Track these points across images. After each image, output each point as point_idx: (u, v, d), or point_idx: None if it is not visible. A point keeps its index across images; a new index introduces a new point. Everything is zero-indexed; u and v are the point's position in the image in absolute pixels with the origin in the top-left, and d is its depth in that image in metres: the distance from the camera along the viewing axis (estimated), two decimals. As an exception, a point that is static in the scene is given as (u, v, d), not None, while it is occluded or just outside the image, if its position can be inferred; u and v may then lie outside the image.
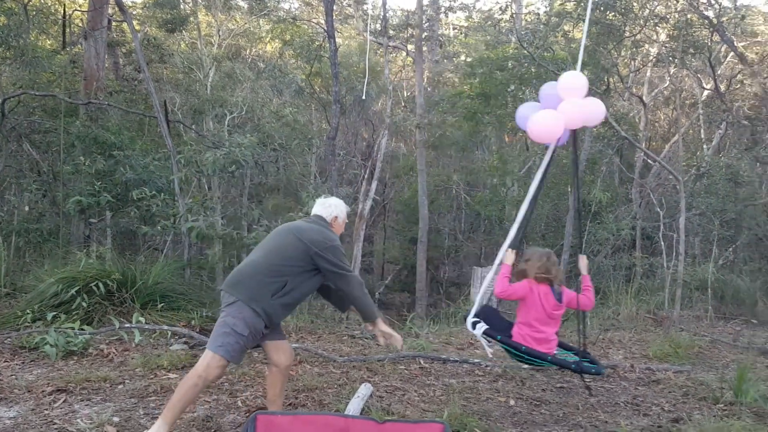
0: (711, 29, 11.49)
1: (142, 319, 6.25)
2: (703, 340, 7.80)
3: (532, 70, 12.95)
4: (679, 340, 7.33)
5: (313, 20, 17.15)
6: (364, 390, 4.68)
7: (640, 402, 5.23)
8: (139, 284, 6.74)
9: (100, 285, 6.42)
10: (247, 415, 4.22)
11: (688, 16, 11.51)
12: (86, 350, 5.54)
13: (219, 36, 17.48)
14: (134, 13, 15.87)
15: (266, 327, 3.59)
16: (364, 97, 9.16)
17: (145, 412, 4.20)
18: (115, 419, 4.04)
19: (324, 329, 7.33)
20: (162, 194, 8.18)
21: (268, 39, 18.37)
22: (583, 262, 4.72)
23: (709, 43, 12.16)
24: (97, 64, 11.24)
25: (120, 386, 4.74)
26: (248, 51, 19.50)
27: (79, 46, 12.91)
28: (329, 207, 4.00)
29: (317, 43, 14.94)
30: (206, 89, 14.53)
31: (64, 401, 4.35)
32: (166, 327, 6.20)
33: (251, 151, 8.60)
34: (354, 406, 4.30)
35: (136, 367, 5.18)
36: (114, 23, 13.82)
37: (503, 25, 15.47)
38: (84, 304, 6.24)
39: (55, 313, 6.09)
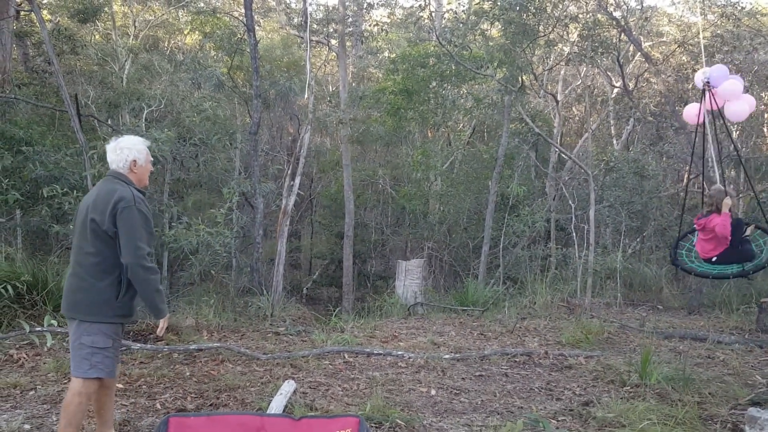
0: (619, 29, 12.08)
1: (54, 322, 5.99)
2: (612, 326, 8.22)
3: (452, 67, 13.23)
4: (590, 327, 7.70)
5: (234, 12, 16.82)
6: (287, 387, 4.70)
7: (554, 387, 5.47)
8: (51, 286, 6.48)
9: (9, 287, 6.12)
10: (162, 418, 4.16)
11: (598, 16, 12.06)
12: (-6, 357, 5.29)
13: (135, 27, 16.88)
14: (44, 2, 15.08)
15: (126, 324, 3.32)
16: (306, 95, 9.09)
17: (59, 418, 4.06)
18: (26, 427, 3.90)
19: (248, 327, 7.28)
20: (75, 191, 7.86)
21: (187, 31, 17.88)
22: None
23: (618, 43, 12.79)
24: (3, 56, 10.64)
25: (31, 392, 4.56)
26: (167, 43, 18.94)
27: (-18, 35, 12.15)
28: (121, 152, 3.34)
29: (238, 36, 14.67)
30: (122, 82, 14.02)
31: (-31, 411, 4.15)
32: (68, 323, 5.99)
33: (169, 146, 8.40)
34: (277, 404, 4.32)
35: (49, 372, 5.00)
36: (22, 12, 13.08)
37: (424, 22, 15.70)
38: (-9, 307, 5.95)
39: (-42, 318, 5.78)
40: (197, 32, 16.55)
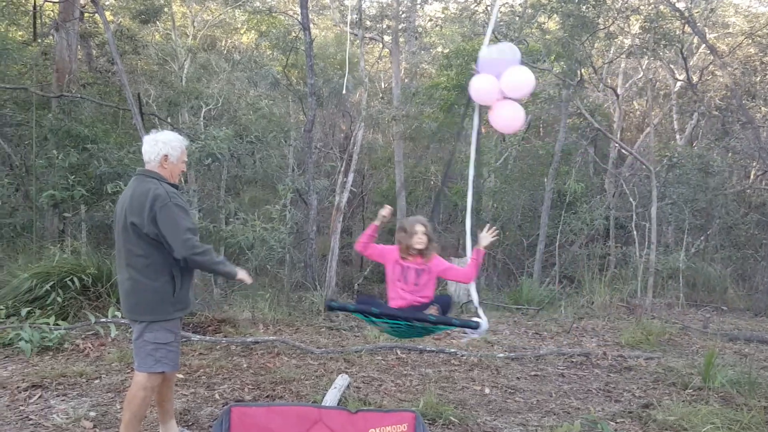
0: (682, 21, 11.66)
1: (117, 313, 6.21)
2: (674, 327, 7.97)
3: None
4: (650, 328, 7.49)
5: (289, 11, 17.03)
6: (341, 381, 4.73)
7: (612, 388, 5.35)
8: (114, 278, 6.68)
9: (75, 280, 6.37)
10: (225, 407, 4.25)
11: (660, 7, 11.66)
12: (61, 345, 5.51)
13: (194, 27, 17.31)
14: (107, 3, 15.61)
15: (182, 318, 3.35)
16: (345, 92, 9.16)
17: (122, 406, 4.18)
18: (92, 414, 4.04)
19: (301, 322, 7.36)
20: (137, 188, 8.09)
21: (243, 30, 18.21)
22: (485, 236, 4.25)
23: (681, 35, 12.34)
24: (69, 56, 11.06)
25: (96, 381, 4.73)
26: (224, 42, 19.33)
27: (51, 37, 12.67)
28: (155, 144, 3.32)
29: (293, 35, 14.84)
30: (181, 81, 14.39)
31: (39, 397, 4.33)
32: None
33: (227, 143, 8.56)
34: (331, 397, 4.34)
35: (113, 362, 5.17)
36: (86, 14, 13.58)
37: (479, 16, 15.51)
38: (59, 299, 6.20)
39: (29, 308, 6.05)
40: (253, 31, 16.84)
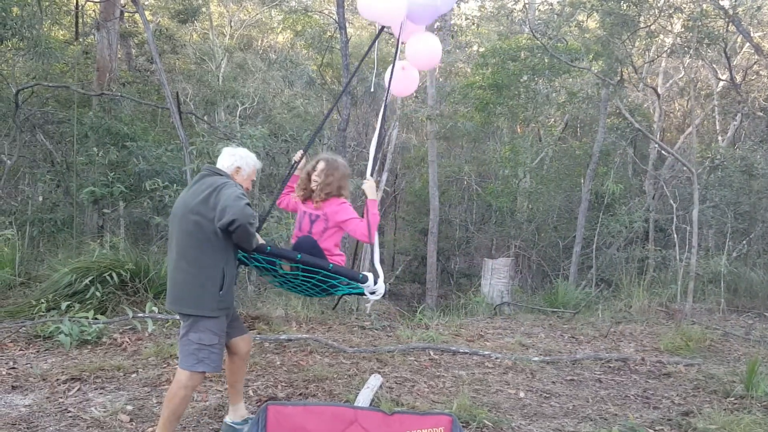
0: (726, 19, 11.33)
1: (155, 308, 6.31)
2: (715, 333, 7.75)
3: (545, 60, 12.85)
4: (690, 333, 7.29)
5: (325, 10, 17.10)
6: (374, 381, 4.71)
7: (651, 395, 5.22)
8: (152, 274, 6.80)
9: (114, 275, 6.49)
10: (258, 404, 4.26)
11: (703, 6, 11.36)
12: (100, 339, 5.61)
13: (231, 26, 17.51)
14: (146, 3, 15.89)
15: (227, 317, 3.42)
16: (372, 89, 9.15)
17: (159, 400, 4.25)
18: (129, 407, 4.10)
19: (334, 320, 7.37)
20: (174, 185, 8.22)
21: (279, 29, 18.36)
22: (368, 184, 3.79)
23: (725, 34, 12.00)
24: (110, 55, 11.29)
25: (133, 375, 4.80)
26: (260, 42, 19.52)
27: (92, 37, 12.96)
28: (232, 156, 3.54)
29: (329, 34, 14.90)
30: (218, 80, 14.55)
31: (78, 389, 4.41)
32: (179, 317, 6.24)
33: (262, 142, 8.62)
34: (364, 397, 4.33)
35: (149, 356, 5.24)
36: (126, 14, 13.85)
37: (516, 15, 15.33)
38: (98, 293, 6.32)
39: (69, 302, 6.18)
40: (289, 31, 16.97)
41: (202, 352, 3.28)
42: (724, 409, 4.75)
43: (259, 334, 6.23)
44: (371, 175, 3.90)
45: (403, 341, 6.56)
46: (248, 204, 3.19)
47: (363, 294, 3.61)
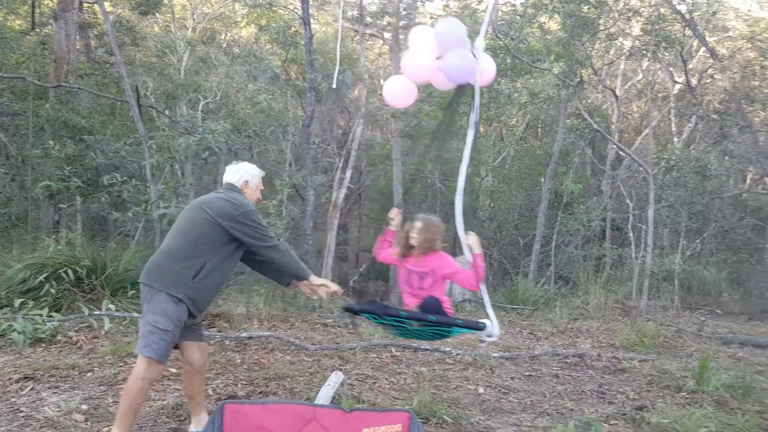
0: (683, 24, 11.65)
1: (112, 306, 6.19)
2: (668, 329, 7.98)
3: (508, 61, 13.01)
4: (645, 330, 7.49)
5: (290, 5, 16.97)
6: (335, 378, 4.71)
7: (606, 390, 5.34)
8: (109, 271, 6.67)
9: (70, 271, 6.34)
10: (218, 402, 4.22)
11: (661, 10, 11.66)
12: (54, 337, 5.48)
13: (193, 19, 17.24)
14: (106, -6, 15.53)
15: (191, 315, 3.42)
16: (334, 86, 9.09)
17: (115, 399, 4.18)
18: (84, 407, 4.02)
19: (297, 317, 7.34)
20: (133, 180, 8.07)
21: (243, 24, 18.15)
22: (473, 239, 4.08)
23: (682, 38, 12.34)
24: (68, 46, 11.00)
25: (89, 374, 4.71)
26: (223, 35, 19.26)
27: (49, 27, 12.60)
28: (238, 172, 3.78)
29: (293, 29, 14.80)
30: (180, 74, 14.32)
31: (31, 389, 4.31)
32: (136, 314, 6.15)
33: (225, 137, 8.52)
34: (324, 395, 4.33)
35: (106, 355, 5.15)
36: (85, 4, 13.51)
37: (479, 15, 15.47)
38: (52, 290, 6.17)
39: (22, 299, 6.02)
40: (253, 25, 16.80)
41: (153, 336, 3.27)
42: (677, 404, 4.88)
43: (219, 332, 6.17)
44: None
45: (365, 338, 6.57)
46: (275, 240, 3.59)
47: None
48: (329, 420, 2.59)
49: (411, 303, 4.05)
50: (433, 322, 3.75)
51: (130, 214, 7.81)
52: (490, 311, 4.02)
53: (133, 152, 9.22)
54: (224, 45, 18.23)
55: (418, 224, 4.09)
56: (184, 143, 7.99)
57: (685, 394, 5.20)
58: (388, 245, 4.30)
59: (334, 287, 3.80)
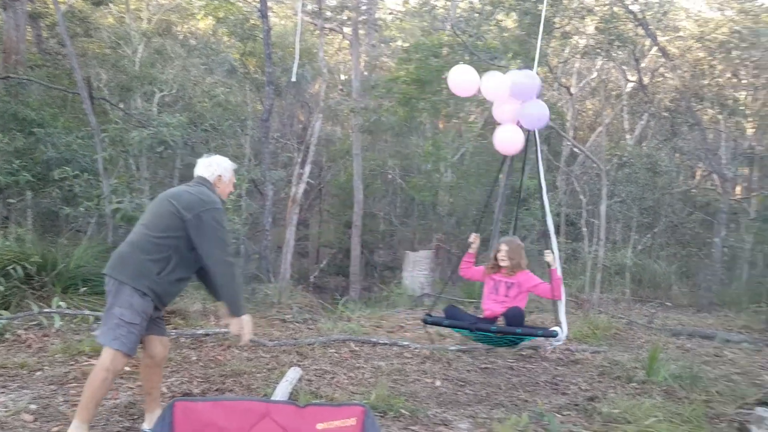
0: (636, 23, 11.94)
1: (62, 303, 6.04)
2: (620, 321, 8.20)
3: (466, 57, 13.13)
4: (597, 322, 7.67)
5: (248, -2, 16.75)
6: (293, 374, 4.70)
7: (559, 381, 5.47)
8: (60, 267, 6.51)
9: (18, 268, 6.16)
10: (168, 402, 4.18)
11: (615, 9, 11.92)
12: (2, 336, 5.33)
13: (149, 10, 16.86)
14: (57, -18, 15.05)
15: (156, 308, 3.42)
16: (294, 79, 9.04)
17: (65, 399, 4.09)
18: (33, 407, 3.92)
19: (254, 313, 7.26)
20: (85, 174, 7.88)
21: (200, 16, 17.83)
22: (550, 257, 4.85)
23: (634, 37, 12.65)
24: (17, 37, 10.65)
25: (38, 373, 4.59)
26: (180, 27, 18.90)
27: (-3, 16, 12.17)
28: (210, 166, 3.70)
29: (251, 22, 14.61)
30: (135, 66, 14.00)
31: (-23, 389, 4.18)
32: (88, 312, 6.02)
33: (180, 131, 8.39)
34: (282, 391, 4.32)
35: (56, 353, 5.03)
36: (36, -7, 13.09)
37: (438, 11, 15.57)
38: (1, 287, 5.98)
39: (-32, 297, 5.82)
40: (210, 17, 16.52)
41: (120, 329, 3.26)
42: (627, 394, 5.03)
43: (175, 329, 6.08)
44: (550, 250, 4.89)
45: (324, 333, 6.57)
46: (225, 244, 3.43)
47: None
48: (283, 416, 2.59)
49: (495, 309, 4.81)
50: (519, 334, 4.49)
51: (81, 209, 7.64)
52: (562, 318, 4.72)
53: (85, 146, 9.00)
54: (181, 37, 17.89)
55: (504, 247, 4.92)
56: (137, 136, 7.85)
57: (635, 384, 5.36)
58: (471, 265, 5.13)
59: (245, 340, 3.56)
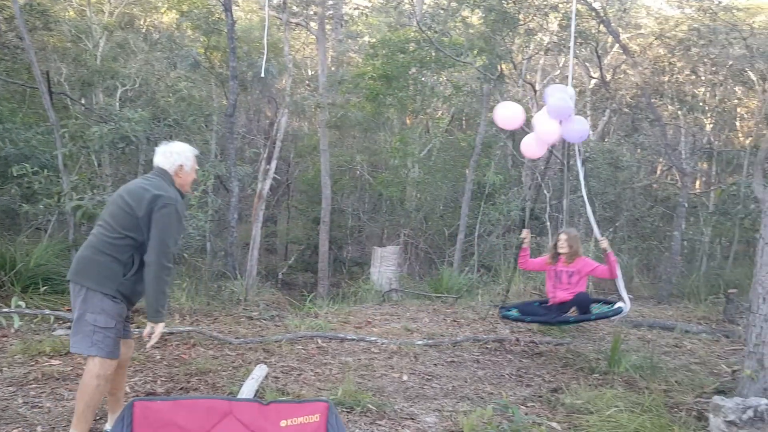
0: (598, 20, 12.13)
1: (22, 303, 5.91)
2: (583, 314, 8.32)
3: (432, 53, 13.19)
4: (561, 315, 7.78)
5: (213, -9, 16.52)
6: (259, 371, 4.69)
7: (524, 373, 5.55)
8: (19, 266, 6.37)
9: (-25, 268, 6.01)
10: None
11: (577, 6, 12.08)
12: (-42, 338, 5.19)
13: (110, 3, 16.52)
14: (14, -26, 14.63)
15: (128, 309, 3.37)
16: (263, 75, 8.98)
17: (25, 400, 4.01)
18: (-9, 410, 3.84)
19: (220, 311, 7.23)
20: (45, 171, 7.70)
21: (163, 9, 17.54)
22: (605, 243, 5.60)
23: (597, 34, 12.85)
24: (-29, 29, 10.33)
25: (-4, 374, 4.49)
26: (143, 21, 18.56)
27: (-50, 8, 11.78)
28: (171, 156, 3.47)
29: (216, 16, 14.43)
30: (96, 60, 13.72)
31: (-69, 393, 4.07)
32: (48, 311, 5.90)
33: (143, 126, 8.24)
34: (248, 388, 4.30)
35: (15, 354, 4.92)
36: (-9, -15, 12.67)
37: (404, 7, 15.59)
38: (-44, 288, 5.83)
39: None
40: (174, 11, 16.26)
41: (96, 335, 3.19)
42: (590, 385, 5.10)
43: (138, 327, 5.99)
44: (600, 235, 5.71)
45: (291, 330, 6.55)
46: (171, 244, 3.27)
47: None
48: (246, 414, 2.58)
49: (563, 296, 5.61)
50: (594, 319, 5.53)
51: (41, 206, 7.45)
52: (623, 293, 5.47)
53: (44, 141, 8.80)
54: (143, 31, 17.57)
55: (563, 236, 5.71)
56: (98, 132, 7.69)
57: (597, 375, 5.45)
58: (528, 257, 5.92)
59: (150, 344, 3.40)
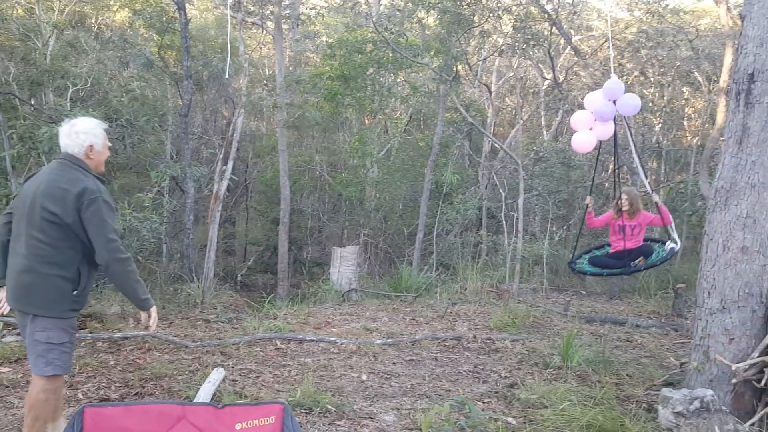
0: (550, 22, 12.39)
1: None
2: (538, 310, 8.50)
3: (389, 54, 13.25)
4: (517, 311, 7.94)
5: (166, -10, 16.24)
6: (216, 375, 4.65)
7: (481, 370, 5.63)
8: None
9: None
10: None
11: (530, 8, 12.32)
12: None
13: (60, 1, 16.07)
14: (-44, -31, 14.12)
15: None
16: (227, 76, 8.88)
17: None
18: (-65, 421, 3.72)
19: (177, 315, 7.15)
20: (-8, 173, 7.48)
21: (116, 8, 17.15)
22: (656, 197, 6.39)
23: (549, 36, 13.12)
24: None
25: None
26: (94, 19, 18.11)
27: None
28: (77, 136, 3.10)
29: (169, 14, 14.19)
30: (45, 59, 13.33)
31: None
32: (17, 315, 5.73)
33: (95, 127, 8.06)
34: (205, 392, 4.27)
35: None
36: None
37: (361, 8, 15.62)
38: None
39: None
40: (126, 9, 15.93)
41: (51, 353, 3.03)
42: (544, 380, 5.22)
43: (90, 333, 5.88)
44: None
45: (249, 332, 6.51)
46: (114, 236, 3.03)
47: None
48: (200, 418, 2.57)
49: (628, 245, 6.20)
50: (660, 263, 6.11)
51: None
52: (675, 235, 6.02)
53: (-9, 143, 8.53)
54: (95, 29, 17.14)
55: (624, 196, 6.39)
56: (48, 133, 7.50)
57: (551, 370, 5.56)
58: (593, 216, 6.62)
59: (152, 329, 3.41)
